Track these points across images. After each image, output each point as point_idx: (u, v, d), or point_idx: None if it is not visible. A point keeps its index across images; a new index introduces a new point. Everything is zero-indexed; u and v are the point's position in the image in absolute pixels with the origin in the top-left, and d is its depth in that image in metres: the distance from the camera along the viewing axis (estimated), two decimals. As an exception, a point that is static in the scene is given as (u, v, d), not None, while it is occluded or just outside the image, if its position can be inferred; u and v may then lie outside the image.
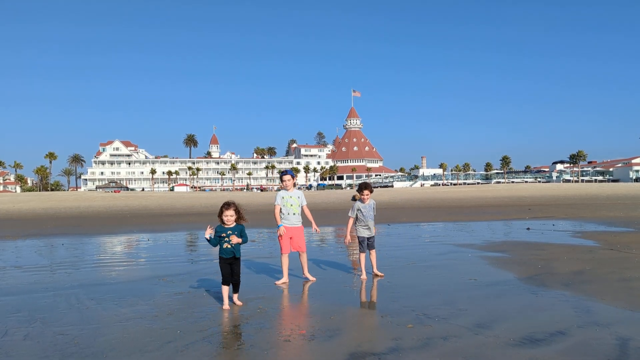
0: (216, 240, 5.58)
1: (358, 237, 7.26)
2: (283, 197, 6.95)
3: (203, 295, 6.24)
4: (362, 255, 7.27)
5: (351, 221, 7.28)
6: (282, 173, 7.10)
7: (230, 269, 5.57)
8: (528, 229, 15.27)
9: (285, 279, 6.92)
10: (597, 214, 22.34)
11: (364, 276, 7.18)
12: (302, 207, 7.08)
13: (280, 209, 6.95)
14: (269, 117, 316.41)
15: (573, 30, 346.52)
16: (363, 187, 7.20)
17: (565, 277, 7.04)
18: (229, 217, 5.55)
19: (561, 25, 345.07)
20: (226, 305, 5.53)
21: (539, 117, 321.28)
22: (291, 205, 6.94)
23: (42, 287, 7.02)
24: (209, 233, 5.52)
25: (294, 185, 7.11)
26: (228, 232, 5.55)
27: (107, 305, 5.77)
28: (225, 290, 5.59)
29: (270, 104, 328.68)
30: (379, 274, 7.35)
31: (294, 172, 7.11)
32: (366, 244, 7.21)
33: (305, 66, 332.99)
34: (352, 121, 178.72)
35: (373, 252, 7.35)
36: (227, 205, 5.59)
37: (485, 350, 3.99)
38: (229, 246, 5.52)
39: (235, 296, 5.69)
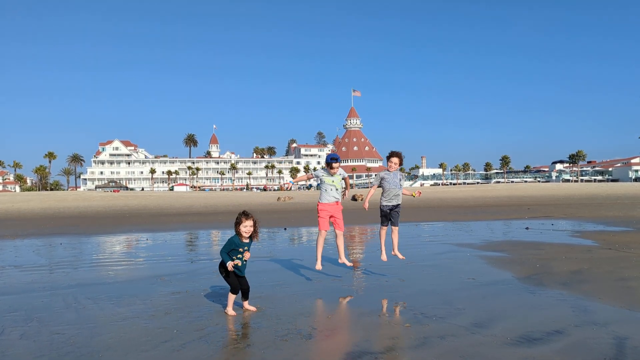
0: (229, 256, 5.09)
1: (381, 208, 7.00)
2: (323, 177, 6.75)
3: (201, 295, 6.23)
4: (383, 231, 6.96)
5: (372, 190, 7.05)
6: (332, 160, 6.77)
7: (238, 281, 5.23)
8: (527, 228, 15.26)
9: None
10: (596, 213, 22.33)
11: (383, 257, 6.98)
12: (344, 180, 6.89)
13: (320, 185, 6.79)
14: (268, 116, 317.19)
15: (572, 32, 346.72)
16: (392, 154, 6.95)
17: (563, 277, 7.03)
18: (249, 227, 5.05)
19: (560, 28, 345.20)
20: (231, 311, 5.22)
21: (539, 117, 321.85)
22: (335, 188, 6.81)
23: (39, 286, 7.00)
24: (232, 265, 5.04)
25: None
26: (245, 248, 5.12)
27: (104, 305, 5.76)
28: (232, 298, 5.23)
29: (270, 103, 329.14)
30: (400, 255, 7.14)
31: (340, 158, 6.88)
32: (388, 216, 6.91)
33: (306, 66, 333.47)
34: (352, 121, 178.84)
35: (395, 230, 7.05)
36: (246, 215, 5.09)
37: (483, 349, 3.98)
38: (240, 263, 5.14)
39: (245, 303, 5.39)
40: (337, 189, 6.81)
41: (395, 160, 6.92)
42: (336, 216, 6.85)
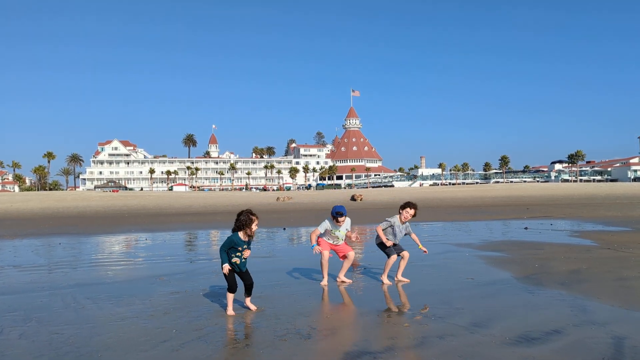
0: (227, 255, 5.13)
1: (382, 245, 6.81)
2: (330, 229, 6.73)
3: (200, 295, 6.23)
4: (392, 260, 6.76)
5: (380, 230, 6.77)
6: (338, 214, 6.62)
7: (239, 277, 5.24)
8: (526, 228, 15.27)
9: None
10: (595, 213, 22.36)
11: (386, 280, 6.79)
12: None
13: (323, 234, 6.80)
14: (268, 116, 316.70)
15: (572, 33, 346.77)
16: (408, 205, 6.71)
17: (562, 276, 7.04)
18: (256, 226, 5.14)
19: (560, 29, 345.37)
20: (230, 311, 5.23)
21: (538, 117, 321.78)
22: (337, 237, 6.78)
23: (38, 286, 7.00)
24: (227, 269, 5.09)
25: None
26: (244, 247, 5.17)
27: (103, 305, 5.76)
28: (231, 297, 5.25)
29: (269, 103, 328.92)
30: (404, 280, 6.92)
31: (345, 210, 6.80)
32: (393, 248, 6.78)
33: (305, 66, 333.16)
34: (351, 121, 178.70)
35: (407, 255, 6.87)
36: (254, 214, 5.14)
37: (481, 349, 3.98)
38: (239, 261, 5.16)
39: (247, 300, 5.41)
40: (339, 241, 6.79)
41: (410, 211, 6.68)
42: (338, 247, 6.80)
